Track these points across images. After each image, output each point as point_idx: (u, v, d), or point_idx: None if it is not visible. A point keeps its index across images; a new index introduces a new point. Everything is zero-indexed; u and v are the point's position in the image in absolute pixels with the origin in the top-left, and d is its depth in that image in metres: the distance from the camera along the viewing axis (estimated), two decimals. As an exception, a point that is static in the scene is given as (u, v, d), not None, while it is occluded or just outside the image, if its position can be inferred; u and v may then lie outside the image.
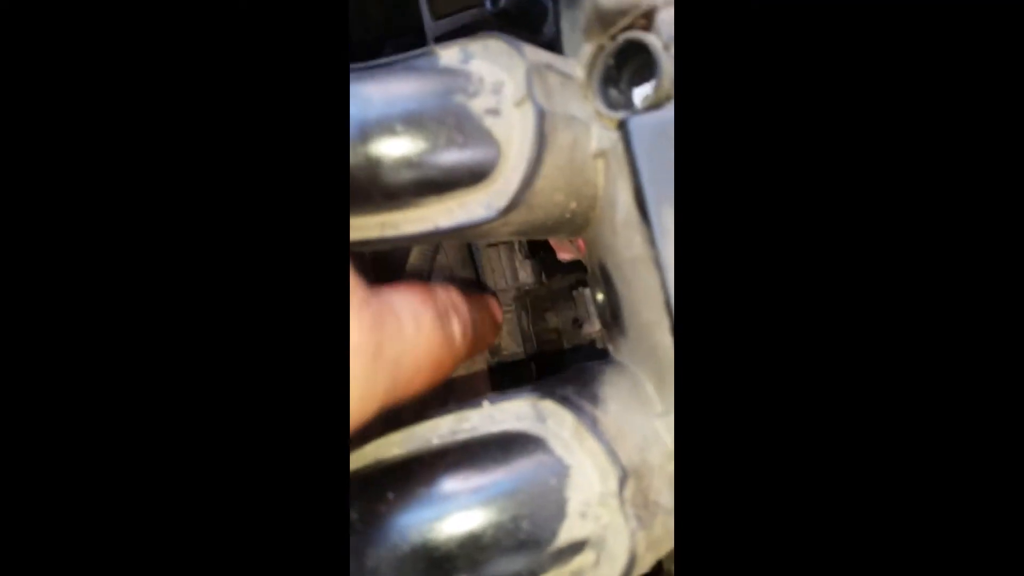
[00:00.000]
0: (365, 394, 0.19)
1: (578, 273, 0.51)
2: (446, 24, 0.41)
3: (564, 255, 0.41)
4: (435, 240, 0.44)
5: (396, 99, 0.22)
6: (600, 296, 0.30)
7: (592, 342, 0.45)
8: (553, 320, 0.50)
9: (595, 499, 0.20)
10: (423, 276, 0.43)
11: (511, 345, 0.44)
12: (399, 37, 0.46)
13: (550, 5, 0.31)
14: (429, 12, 0.42)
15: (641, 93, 0.26)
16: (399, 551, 0.20)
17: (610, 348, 0.29)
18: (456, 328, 0.24)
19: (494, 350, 0.44)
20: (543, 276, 0.49)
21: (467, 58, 0.24)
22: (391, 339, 0.20)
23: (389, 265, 0.41)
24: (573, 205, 0.25)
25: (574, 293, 0.47)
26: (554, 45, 0.29)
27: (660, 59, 0.21)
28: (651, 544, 0.21)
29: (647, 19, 0.22)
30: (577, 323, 0.46)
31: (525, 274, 0.44)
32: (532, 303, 0.50)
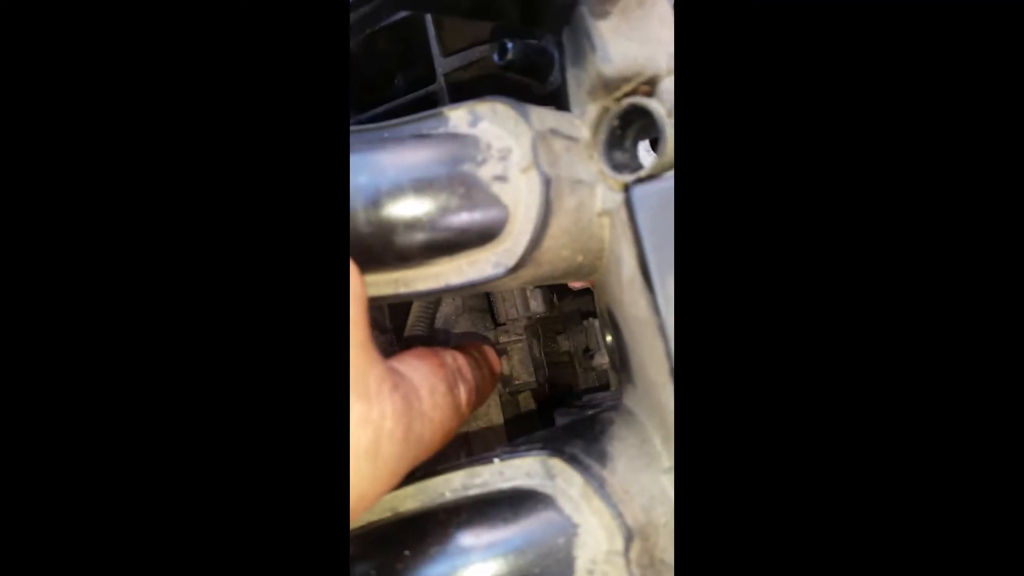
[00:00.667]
0: (396, 471, 0.20)
1: (588, 297, 0.51)
2: (456, 60, 0.42)
3: (575, 284, 0.42)
4: (447, 295, 0.44)
5: (408, 167, 0.23)
6: (609, 338, 0.31)
7: (605, 372, 0.46)
8: (565, 344, 0.51)
9: (602, 558, 0.21)
10: (428, 322, 0.44)
11: (523, 375, 0.45)
12: (408, 69, 0.47)
13: (556, 57, 0.32)
14: (438, 47, 0.42)
15: (645, 147, 0.27)
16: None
17: (621, 391, 0.30)
18: (463, 395, 0.25)
19: (506, 380, 0.45)
20: (554, 299, 0.50)
21: (475, 121, 0.24)
22: (417, 419, 0.21)
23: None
24: (580, 259, 0.26)
25: (584, 323, 0.47)
26: (559, 96, 0.30)
27: (664, 126, 0.22)
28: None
29: (650, 85, 0.23)
30: (588, 352, 0.47)
31: (536, 303, 0.45)
32: (543, 327, 0.50)
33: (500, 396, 0.45)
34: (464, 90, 0.43)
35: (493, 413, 0.46)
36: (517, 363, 0.44)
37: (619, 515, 0.21)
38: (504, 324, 0.46)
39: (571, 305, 0.53)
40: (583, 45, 0.24)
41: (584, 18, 0.24)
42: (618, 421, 0.25)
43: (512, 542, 0.21)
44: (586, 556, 0.21)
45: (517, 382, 0.45)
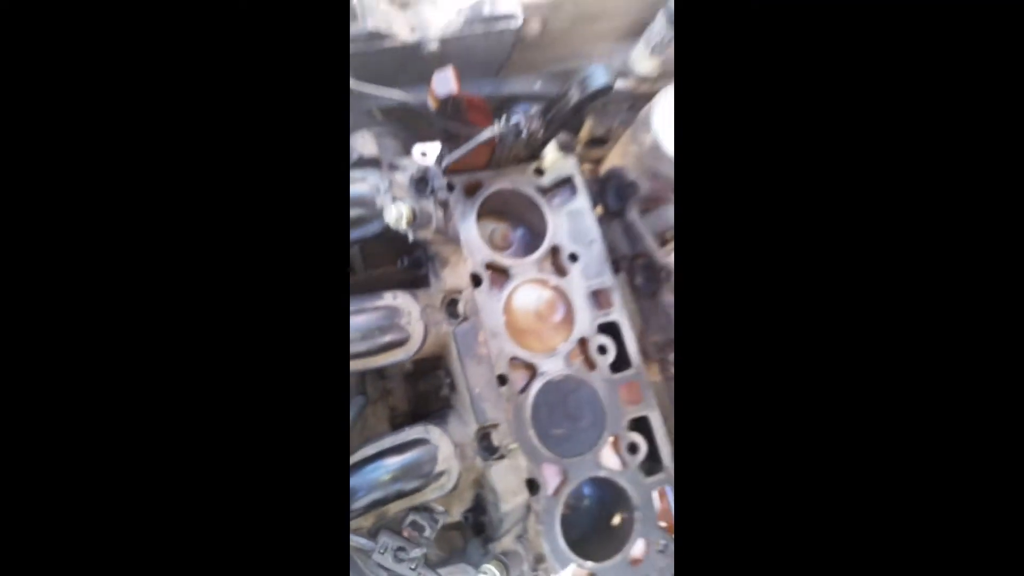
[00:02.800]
0: None
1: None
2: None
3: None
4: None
5: (370, 319, 0.61)
6: (448, 380, 0.71)
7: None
8: (422, 385, 0.90)
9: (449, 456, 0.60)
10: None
11: (402, 403, 0.83)
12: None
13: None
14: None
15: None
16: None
17: (453, 402, 0.70)
18: None
19: (393, 407, 0.83)
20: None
21: (395, 297, 0.63)
22: None
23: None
24: (439, 352, 0.66)
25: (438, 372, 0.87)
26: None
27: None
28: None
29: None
30: (440, 390, 0.87)
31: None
32: (416, 369, 0.89)
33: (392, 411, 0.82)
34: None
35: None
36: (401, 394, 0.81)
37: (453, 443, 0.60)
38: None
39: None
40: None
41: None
42: (451, 413, 0.65)
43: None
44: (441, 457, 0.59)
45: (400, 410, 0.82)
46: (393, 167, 0.68)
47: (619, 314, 0.89)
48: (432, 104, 0.65)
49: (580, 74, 0.82)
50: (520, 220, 0.97)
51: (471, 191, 0.86)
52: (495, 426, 0.60)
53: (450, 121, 0.67)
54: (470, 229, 0.82)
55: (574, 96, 0.76)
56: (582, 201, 0.92)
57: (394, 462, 0.57)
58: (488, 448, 0.60)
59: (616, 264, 0.92)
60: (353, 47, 0.77)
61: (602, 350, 0.86)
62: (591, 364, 0.85)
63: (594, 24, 0.98)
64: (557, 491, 0.77)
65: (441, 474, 0.57)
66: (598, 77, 0.85)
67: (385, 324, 0.60)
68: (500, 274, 0.86)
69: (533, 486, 0.74)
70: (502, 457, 0.59)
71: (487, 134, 0.64)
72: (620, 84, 1.04)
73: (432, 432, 0.59)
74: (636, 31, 0.99)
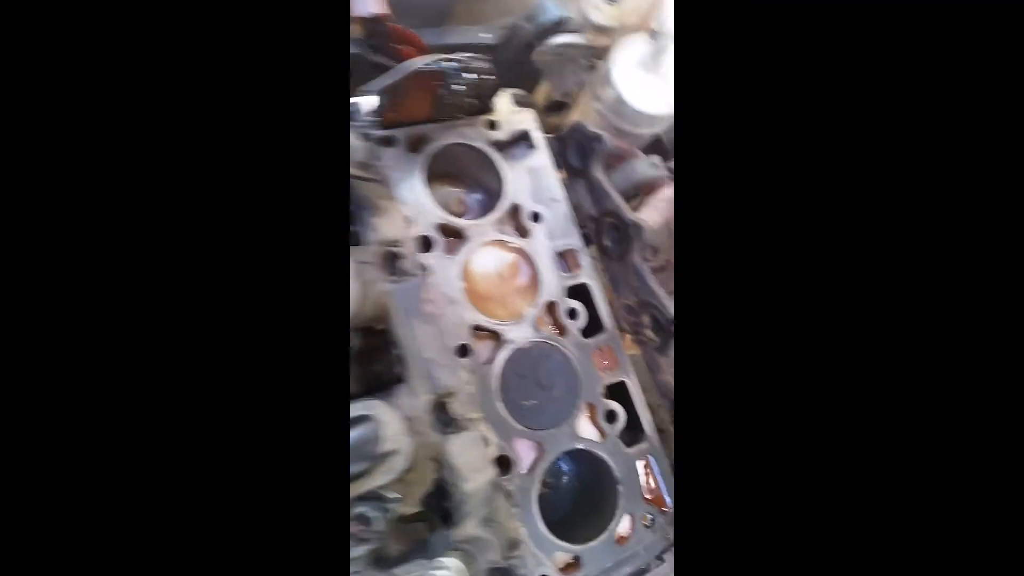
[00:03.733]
0: None
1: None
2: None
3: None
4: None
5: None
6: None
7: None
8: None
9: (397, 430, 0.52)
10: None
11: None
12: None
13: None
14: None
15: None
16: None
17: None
18: None
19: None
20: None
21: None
22: None
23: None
24: None
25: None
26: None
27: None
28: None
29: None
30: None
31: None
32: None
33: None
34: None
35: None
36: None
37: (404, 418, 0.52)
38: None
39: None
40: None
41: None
42: (401, 387, 0.57)
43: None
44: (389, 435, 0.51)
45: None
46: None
47: (588, 276, 0.82)
48: (356, 31, 0.57)
49: (529, 9, 0.75)
50: (475, 183, 0.90)
51: (415, 145, 0.78)
52: (451, 394, 0.52)
53: (378, 53, 0.59)
54: (416, 187, 0.74)
55: (524, 30, 0.69)
56: (542, 156, 0.85)
57: (333, 443, 0.48)
58: (444, 420, 0.52)
59: (584, 231, 0.85)
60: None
61: (572, 314, 0.79)
62: (561, 329, 0.78)
63: (544, -31, 0.91)
64: (532, 468, 0.70)
65: (390, 454, 0.49)
66: (550, 9, 0.79)
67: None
68: (454, 238, 0.78)
69: (504, 463, 0.66)
70: (462, 429, 0.51)
71: (419, 62, 0.57)
72: (576, 39, 0.98)
73: (376, 407, 0.51)
74: (589, -22, 0.92)
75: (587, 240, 0.85)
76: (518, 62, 0.71)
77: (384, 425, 0.50)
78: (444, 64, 0.61)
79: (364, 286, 0.52)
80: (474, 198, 0.90)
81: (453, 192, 0.88)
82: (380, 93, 0.59)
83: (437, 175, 0.80)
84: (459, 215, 0.87)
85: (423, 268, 0.55)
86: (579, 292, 0.81)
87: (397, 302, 0.53)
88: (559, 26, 0.68)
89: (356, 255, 0.54)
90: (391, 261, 0.55)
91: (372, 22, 0.56)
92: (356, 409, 0.52)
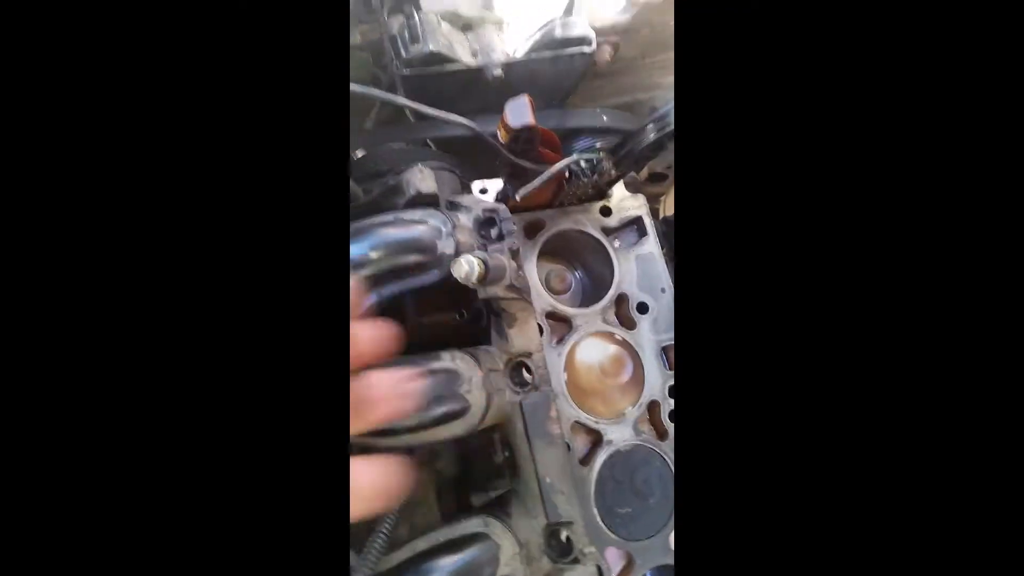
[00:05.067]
0: None
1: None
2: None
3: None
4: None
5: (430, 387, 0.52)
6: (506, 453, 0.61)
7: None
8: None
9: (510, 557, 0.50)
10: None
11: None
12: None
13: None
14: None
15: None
16: None
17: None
18: None
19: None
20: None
21: (453, 358, 0.54)
22: None
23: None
24: (498, 422, 0.56)
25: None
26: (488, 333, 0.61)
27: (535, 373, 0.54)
28: None
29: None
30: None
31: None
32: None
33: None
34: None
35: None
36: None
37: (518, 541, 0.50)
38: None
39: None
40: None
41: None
42: (514, 500, 0.55)
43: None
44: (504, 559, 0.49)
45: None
46: (453, 206, 0.59)
47: (693, 375, 0.78)
48: (502, 136, 0.57)
49: (658, 111, 0.73)
50: (577, 261, 0.88)
51: (532, 232, 0.78)
52: (569, 523, 0.50)
53: (519, 155, 0.59)
54: (531, 273, 0.73)
55: (651, 134, 0.68)
56: (651, 245, 0.83)
57: (450, 563, 0.47)
58: (559, 550, 0.50)
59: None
60: (412, 70, 0.69)
61: (674, 417, 0.75)
62: (662, 433, 0.75)
63: (667, 52, 0.90)
64: (622, 582, 0.66)
65: (502, 577, 0.47)
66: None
67: (443, 392, 0.50)
68: (561, 324, 0.77)
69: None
70: (576, 562, 0.49)
71: (562, 164, 0.56)
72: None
73: (492, 526, 0.50)
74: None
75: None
76: (640, 158, 0.70)
77: (499, 548, 0.48)
78: (578, 166, 0.60)
79: (491, 394, 0.51)
80: (575, 276, 0.88)
81: (556, 268, 0.87)
82: (505, 194, 0.59)
83: (543, 252, 0.80)
84: (560, 292, 0.86)
85: (548, 380, 0.54)
86: (681, 391, 0.78)
87: (524, 416, 0.52)
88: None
89: (485, 361, 0.53)
90: (518, 371, 0.54)
91: (521, 130, 0.56)
92: (473, 525, 0.50)
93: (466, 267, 0.44)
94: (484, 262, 0.45)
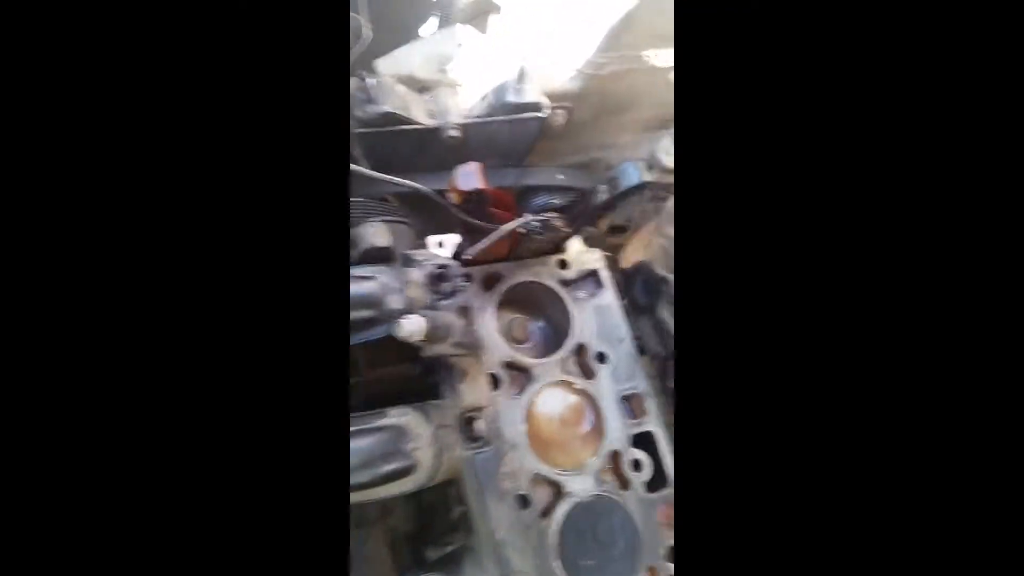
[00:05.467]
0: None
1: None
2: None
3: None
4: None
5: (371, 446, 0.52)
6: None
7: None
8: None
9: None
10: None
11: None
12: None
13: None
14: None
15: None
16: None
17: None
18: None
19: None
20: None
21: (403, 414, 0.54)
22: None
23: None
24: (449, 478, 0.56)
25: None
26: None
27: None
28: None
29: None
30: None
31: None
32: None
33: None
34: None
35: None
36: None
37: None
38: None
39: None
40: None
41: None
42: (467, 556, 0.54)
43: None
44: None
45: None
46: (408, 260, 0.61)
47: (654, 424, 0.79)
48: (455, 198, 0.60)
49: (611, 171, 0.77)
50: (539, 312, 0.90)
51: (489, 284, 0.80)
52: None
53: (471, 215, 0.62)
54: (488, 324, 0.75)
55: (603, 193, 0.71)
56: (609, 296, 0.85)
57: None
58: (512, 605, 0.49)
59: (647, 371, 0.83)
60: (367, 130, 0.73)
61: (636, 466, 0.75)
62: (624, 482, 0.75)
63: (620, 115, 0.95)
64: (586, 639, 0.64)
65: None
66: (630, 175, 0.81)
67: (389, 449, 0.51)
68: (520, 374, 0.78)
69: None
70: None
71: (512, 225, 0.59)
72: (645, 176, 1.01)
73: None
74: (662, 123, 0.96)
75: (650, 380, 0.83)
76: (592, 215, 0.73)
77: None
78: (531, 225, 0.63)
79: (441, 450, 0.52)
80: (536, 326, 0.90)
81: (519, 318, 0.88)
82: (461, 250, 0.61)
83: (502, 302, 0.81)
84: (522, 342, 0.88)
85: (499, 435, 0.54)
86: (644, 439, 0.78)
87: (476, 473, 0.52)
88: (640, 190, 0.70)
89: (435, 416, 0.53)
90: (469, 425, 0.54)
91: (471, 193, 0.59)
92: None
93: (407, 327, 0.45)
94: (430, 322, 0.47)
